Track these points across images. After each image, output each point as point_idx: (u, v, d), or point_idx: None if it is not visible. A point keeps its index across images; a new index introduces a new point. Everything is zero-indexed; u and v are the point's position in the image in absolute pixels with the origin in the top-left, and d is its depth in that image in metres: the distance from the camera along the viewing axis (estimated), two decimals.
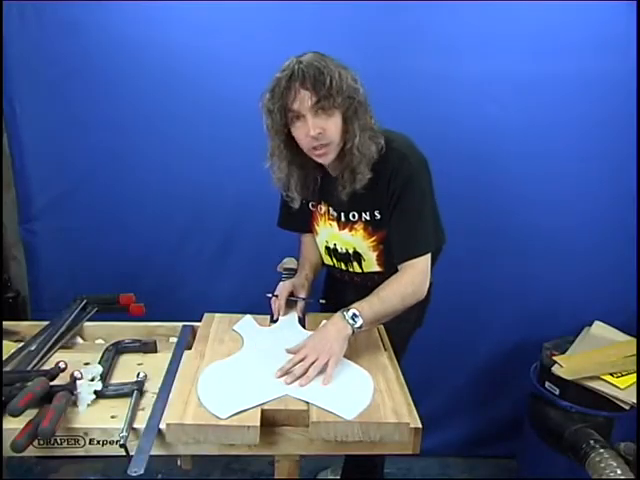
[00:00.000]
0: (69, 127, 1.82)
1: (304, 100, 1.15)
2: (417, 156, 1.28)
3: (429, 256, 1.29)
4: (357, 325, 1.18)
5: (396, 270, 1.30)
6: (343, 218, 1.36)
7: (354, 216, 1.35)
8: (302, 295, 1.40)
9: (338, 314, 1.21)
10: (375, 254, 1.38)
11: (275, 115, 1.19)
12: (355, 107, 1.19)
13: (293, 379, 1.09)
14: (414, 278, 1.26)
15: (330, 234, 1.42)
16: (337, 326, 1.18)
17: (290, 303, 1.41)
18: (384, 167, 1.25)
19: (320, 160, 1.26)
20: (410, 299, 1.26)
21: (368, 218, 1.33)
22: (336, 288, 1.55)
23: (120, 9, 1.71)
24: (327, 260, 1.50)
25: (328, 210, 1.40)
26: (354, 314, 1.19)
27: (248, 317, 1.40)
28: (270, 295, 1.40)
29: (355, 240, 1.38)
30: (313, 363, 1.11)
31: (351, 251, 1.40)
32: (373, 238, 1.35)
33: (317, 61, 1.15)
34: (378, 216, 1.32)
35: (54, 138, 1.84)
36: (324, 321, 1.26)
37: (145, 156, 1.85)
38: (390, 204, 1.28)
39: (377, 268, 1.40)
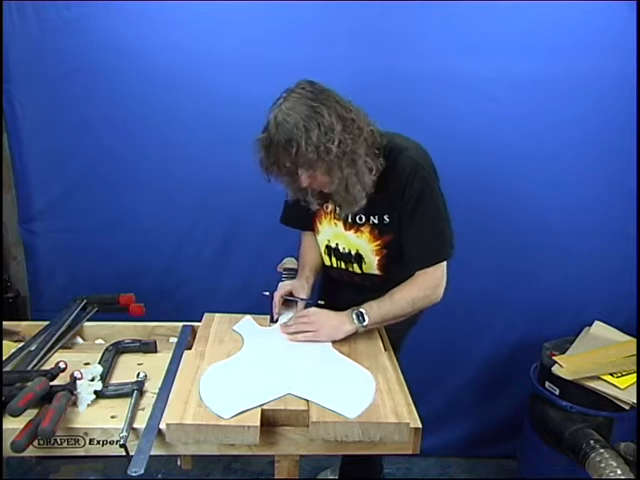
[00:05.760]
0: (69, 127, 1.82)
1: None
2: (430, 164, 1.29)
3: (445, 262, 1.32)
4: (362, 324, 1.27)
5: (395, 274, 1.34)
6: (350, 219, 1.36)
7: (361, 219, 1.34)
8: (302, 296, 1.40)
9: (347, 311, 1.29)
10: (377, 258, 1.38)
11: (263, 163, 1.22)
12: (329, 163, 1.17)
13: (286, 331, 1.29)
14: (428, 283, 1.31)
15: (334, 233, 1.42)
16: (340, 318, 1.29)
17: (290, 303, 1.41)
18: (397, 173, 1.26)
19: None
20: (421, 302, 1.32)
21: (376, 222, 1.33)
22: (334, 289, 1.55)
23: (120, 9, 1.71)
24: (326, 260, 1.50)
25: (335, 209, 1.39)
26: (361, 313, 1.28)
27: (248, 317, 1.40)
28: (267, 293, 1.40)
29: (360, 242, 1.38)
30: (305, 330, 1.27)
31: (353, 252, 1.40)
32: (378, 242, 1.36)
33: (292, 124, 1.12)
34: (387, 220, 1.32)
35: (54, 138, 1.83)
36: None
37: (145, 156, 1.85)
38: (405, 211, 1.29)
39: (376, 272, 1.41)
